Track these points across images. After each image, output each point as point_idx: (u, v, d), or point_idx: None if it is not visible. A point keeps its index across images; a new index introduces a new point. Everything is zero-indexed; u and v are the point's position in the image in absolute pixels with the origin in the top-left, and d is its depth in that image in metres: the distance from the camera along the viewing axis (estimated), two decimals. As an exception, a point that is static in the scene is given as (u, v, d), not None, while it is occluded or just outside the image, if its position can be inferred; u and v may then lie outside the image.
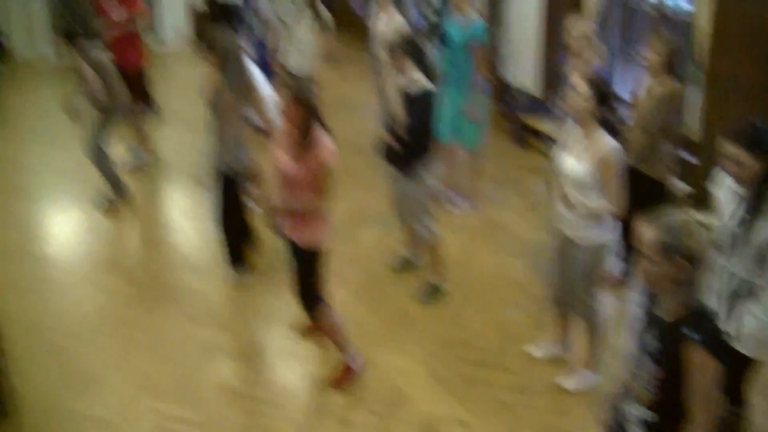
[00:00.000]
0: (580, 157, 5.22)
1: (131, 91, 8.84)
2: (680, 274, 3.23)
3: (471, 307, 6.82)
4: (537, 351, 6.15)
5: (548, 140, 9.05)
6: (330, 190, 5.38)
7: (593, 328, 5.68)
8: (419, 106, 6.34)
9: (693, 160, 7.71)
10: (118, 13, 9.09)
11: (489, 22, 8.87)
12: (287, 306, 6.36)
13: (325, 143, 5.32)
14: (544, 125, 9.58)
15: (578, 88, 5.16)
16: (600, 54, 7.55)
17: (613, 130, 5.23)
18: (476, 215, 8.30)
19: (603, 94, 5.16)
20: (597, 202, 5.21)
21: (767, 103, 7.22)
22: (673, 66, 6.48)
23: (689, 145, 7.96)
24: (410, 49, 6.37)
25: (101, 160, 8.36)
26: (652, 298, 3.48)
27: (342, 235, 6.88)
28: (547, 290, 5.82)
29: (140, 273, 7.46)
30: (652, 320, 3.44)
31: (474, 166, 8.49)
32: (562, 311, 5.87)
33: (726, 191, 4.53)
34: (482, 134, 8.33)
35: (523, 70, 10.05)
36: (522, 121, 9.92)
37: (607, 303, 5.66)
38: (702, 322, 3.26)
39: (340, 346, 5.93)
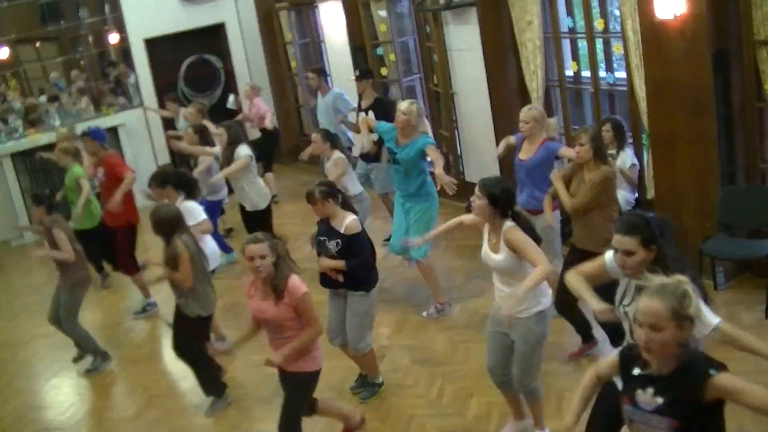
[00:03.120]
0: (494, 248, 5.73)
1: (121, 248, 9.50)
2: (685, 335, 3.55)
3: (467, 394, 6.98)
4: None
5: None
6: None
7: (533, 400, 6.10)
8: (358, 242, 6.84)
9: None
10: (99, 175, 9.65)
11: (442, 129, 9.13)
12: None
13: (294, 281, 5.67)
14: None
15: (476, 195, 5.68)
16: (549, 131, 7.91)
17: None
18: (459, 311, 8.49)
19: (500, 201, 5.65)
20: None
21: (706, 150, 7.58)
22: (601, 151, 6.84)
23: (645, 204, 8.29)
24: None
25: (76, 329, 8.55)
26: (632, 360, 3.75)
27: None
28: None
29: (152, 421, 7.55)
30: (642, 381, 3.69)
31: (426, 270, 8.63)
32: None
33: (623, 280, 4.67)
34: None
35: (483, 167, 10.37)
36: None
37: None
38: (704, 358, 3.60)
39: None
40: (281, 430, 5.86)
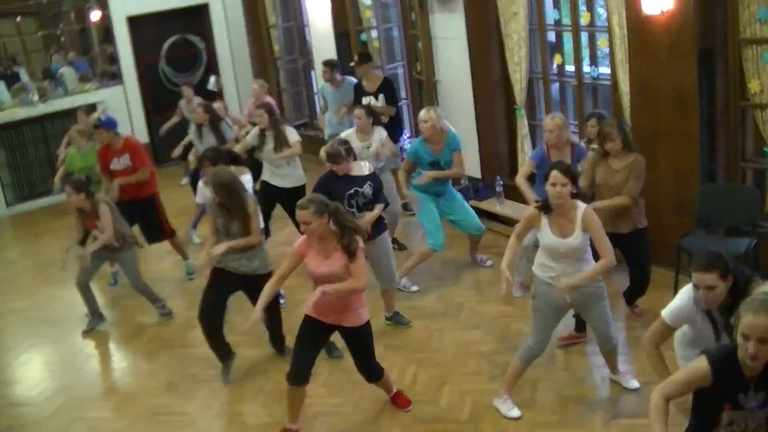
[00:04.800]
0: (564, 232, 5.88)
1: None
2: None
3: (439, 382, 6.95)
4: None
5: (494, 219, 9.45)
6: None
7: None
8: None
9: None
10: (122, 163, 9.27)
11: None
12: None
13: None
14: (490, 205, 9.93)
15: (558, 180, 5.76)
16: (571, 138, 7.87)
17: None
18: (435, 299, 8.48)
19: (575, 178, 5.87)
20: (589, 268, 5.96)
21: (688, 147, 7.59)
22: (628, 140, 7.03)
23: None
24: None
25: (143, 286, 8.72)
26: (727, 371, 4.04)
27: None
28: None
29: (120, 400, 7.48)
30: (740, 385, 4.03)
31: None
32: None
33: (699, 315, 4.82)
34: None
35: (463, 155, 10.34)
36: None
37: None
38: None
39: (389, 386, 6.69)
40: (371, 374, 6.43)
